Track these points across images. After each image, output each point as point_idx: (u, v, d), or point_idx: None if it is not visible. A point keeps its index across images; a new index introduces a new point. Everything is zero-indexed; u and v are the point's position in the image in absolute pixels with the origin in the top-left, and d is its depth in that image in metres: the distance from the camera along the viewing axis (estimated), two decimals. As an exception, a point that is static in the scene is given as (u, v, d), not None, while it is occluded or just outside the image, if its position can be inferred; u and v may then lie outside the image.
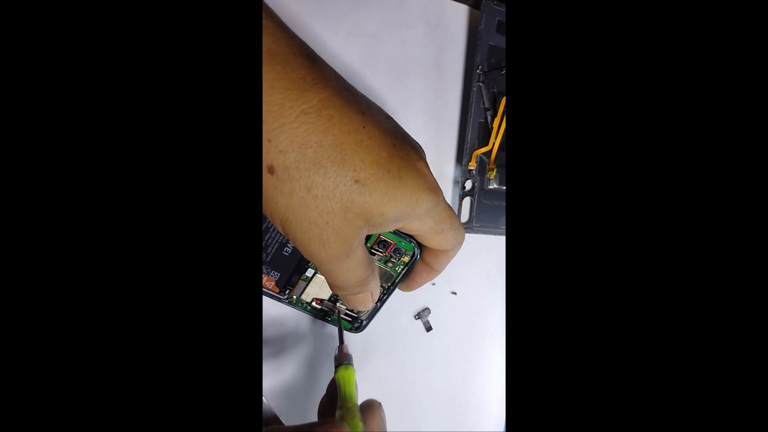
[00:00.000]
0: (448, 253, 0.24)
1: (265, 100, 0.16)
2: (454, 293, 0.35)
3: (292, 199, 0.17)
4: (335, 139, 0.17)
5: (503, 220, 0.34)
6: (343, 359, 0.25)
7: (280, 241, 0.26)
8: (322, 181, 0.17)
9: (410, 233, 0.22)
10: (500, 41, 0.33)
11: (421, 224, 0.20)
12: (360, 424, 0.22)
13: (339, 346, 0.26)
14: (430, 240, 0.22)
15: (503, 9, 0.33)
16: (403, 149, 0.19)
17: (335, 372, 0.25)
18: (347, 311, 0.29)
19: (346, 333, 0.30)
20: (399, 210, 0.19)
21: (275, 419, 0.30)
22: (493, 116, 0.32)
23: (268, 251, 0.27)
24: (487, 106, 0.33)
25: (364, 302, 0.24)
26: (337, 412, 0.23)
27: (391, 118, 0.21)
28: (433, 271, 0.26)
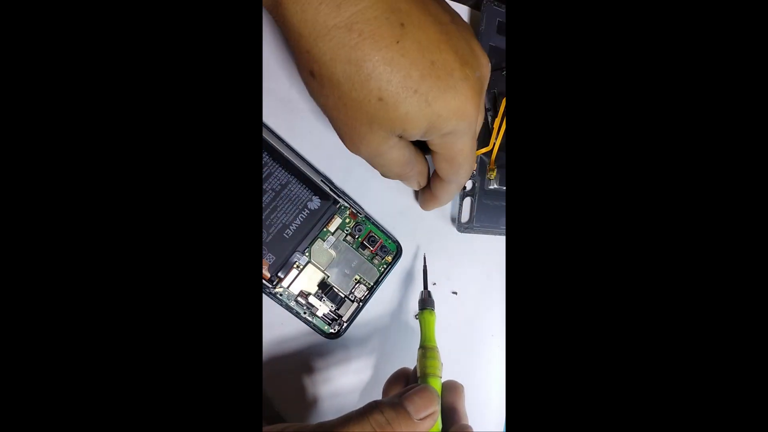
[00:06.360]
0: (446, 185, 0.25)
1: (300, 17, 0.17)
2: (455, 293, 0.35)
3: (329, 101, 0.19)
4: (364, 55, 0.17)
5: (503, 220, 0.34)
6: (426, 303, 0.27)
7: (283, 221, 0.25)
8: (349, 94, 0.18)
9: (430, 147, 0.23)
10: (500, 42, 0.33)
11: (441, 142, 0.21)
12: (439, 364, 0.24)
13: (423, 291, 0.28)
14: (438, 161, 0.23)
15: (504, 10, 0.33)
16: (443, 68, 0.19)
17: (419, 314, 0.27)
18: (329, 311, 0.29)
19: (324, 339, 0.30)
20: (421, 129, 0.20)
21: (276, 419, 0.30)
22: (493, 116, 0.32)
23: (271, 231, 0.26)
24: (487, 106, 0.33)
25: (411, 185, 0.26)
26: (419, 351, 0.25)
27: (457, 19, 0.20)
28: (435, 198, 0.27)
